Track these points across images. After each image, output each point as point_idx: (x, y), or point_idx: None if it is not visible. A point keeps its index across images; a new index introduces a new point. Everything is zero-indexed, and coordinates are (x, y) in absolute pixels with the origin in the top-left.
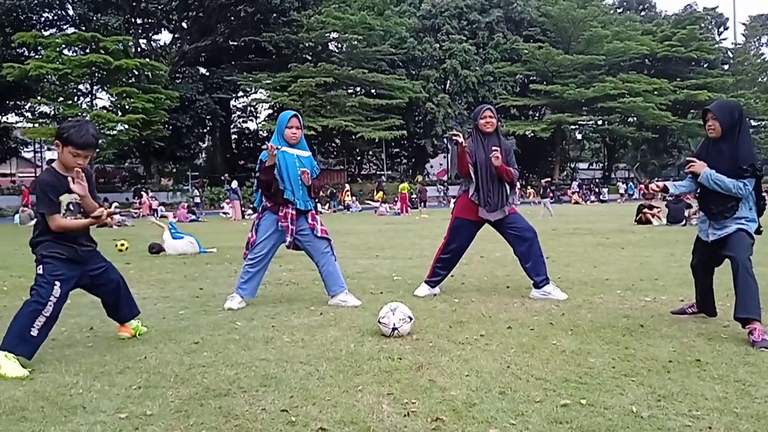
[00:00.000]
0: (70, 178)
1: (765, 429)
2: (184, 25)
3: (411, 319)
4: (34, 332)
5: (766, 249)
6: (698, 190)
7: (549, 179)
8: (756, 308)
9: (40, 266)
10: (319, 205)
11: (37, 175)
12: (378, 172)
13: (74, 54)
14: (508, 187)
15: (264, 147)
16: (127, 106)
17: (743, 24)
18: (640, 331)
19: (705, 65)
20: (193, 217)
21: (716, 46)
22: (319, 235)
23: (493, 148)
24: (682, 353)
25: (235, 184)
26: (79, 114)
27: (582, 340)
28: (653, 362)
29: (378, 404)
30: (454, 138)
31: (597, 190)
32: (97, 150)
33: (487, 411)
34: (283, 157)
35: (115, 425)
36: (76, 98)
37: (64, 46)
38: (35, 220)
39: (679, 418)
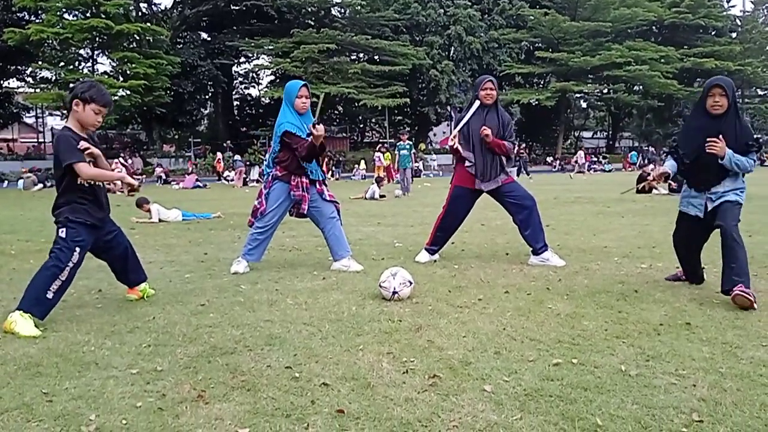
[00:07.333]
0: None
1: (748, 387)
2: None
3: (411, 283)
4: (50, 294)
5: (766, 218)
6: (685, 166)
7: None
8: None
9: (63, 229)
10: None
11: (54, 133)
12: (380, 140)
13: (75, 18)
14: (503, 158)
15: (309, 130)
16: (128, 72)
17: None
18: (634, 296)
19: (713, 33)
20: (198, 184)
21: (724, 13)
22: (326, 198)
23: (482, 128)
24: (673, 317)
25: (237, 157)
26: (81, 78)
27: (577, 304)
28: (645, 325)
29: (378, 362)
30: (452, 145)
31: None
32: None
33: (482, 369)
34: (298, 127)
35: (128, 379)
36: (77, 63)
37: (64, 10)
38: (40, 185)
39: (665, 377)
